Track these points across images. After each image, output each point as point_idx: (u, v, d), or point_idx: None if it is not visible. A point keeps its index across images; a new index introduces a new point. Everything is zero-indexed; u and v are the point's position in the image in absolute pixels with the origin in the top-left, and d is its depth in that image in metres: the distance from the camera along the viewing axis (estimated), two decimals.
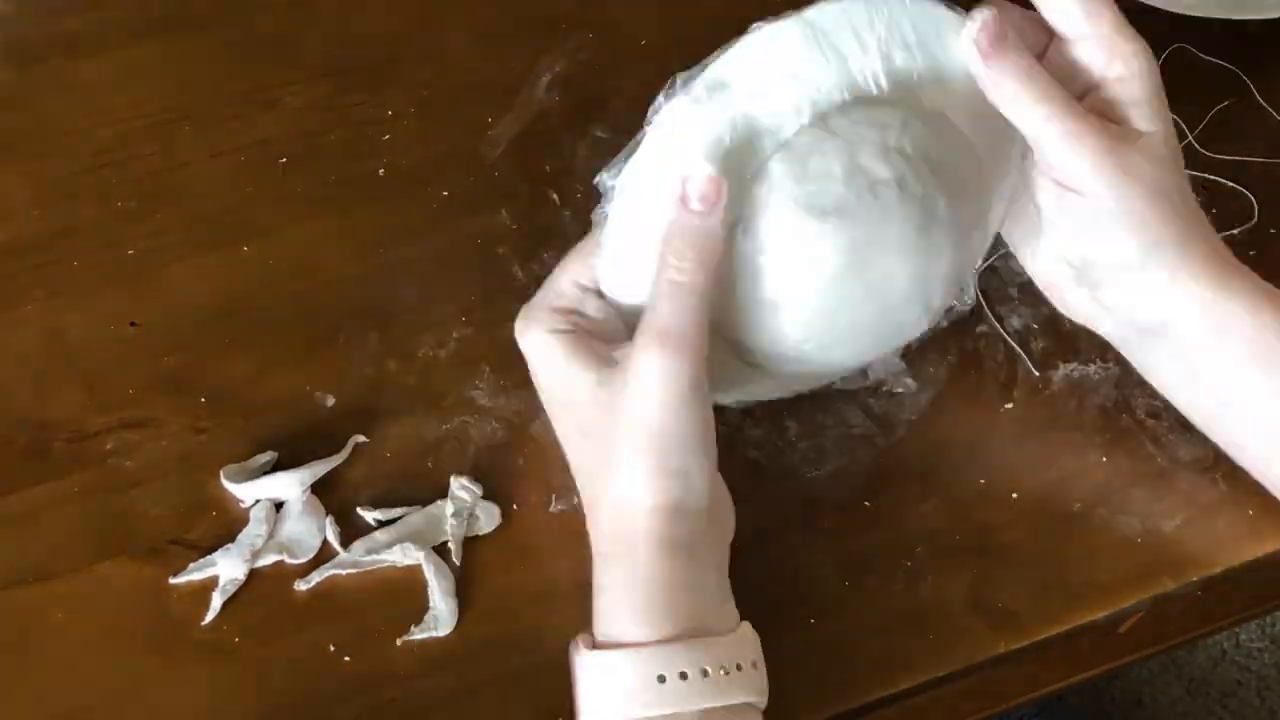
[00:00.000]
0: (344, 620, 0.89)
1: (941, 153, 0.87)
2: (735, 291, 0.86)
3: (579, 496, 0.88)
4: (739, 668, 0.80)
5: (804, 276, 0.85)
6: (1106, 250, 0.87)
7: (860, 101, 0.85)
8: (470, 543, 0.92)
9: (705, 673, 0.78)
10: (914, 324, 0.91)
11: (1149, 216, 0.85)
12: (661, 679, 0.78)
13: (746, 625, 0.83)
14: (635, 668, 0.79)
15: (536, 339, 0.86)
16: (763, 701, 0.81)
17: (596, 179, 0.87)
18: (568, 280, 0.88)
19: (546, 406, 0.89)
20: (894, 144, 0.85)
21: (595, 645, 0.81)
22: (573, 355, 0.84)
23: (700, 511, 0.83)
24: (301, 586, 0.89)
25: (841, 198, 0.83)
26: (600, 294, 0.87)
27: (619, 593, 0.82)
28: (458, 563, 0.90)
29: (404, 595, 0.90)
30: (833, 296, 0.86)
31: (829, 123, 0.84)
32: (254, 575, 0.90)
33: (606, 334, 0.86)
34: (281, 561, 0.90)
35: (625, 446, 0.82)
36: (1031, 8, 0.87)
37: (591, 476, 0.86)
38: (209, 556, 0.90)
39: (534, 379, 0.88)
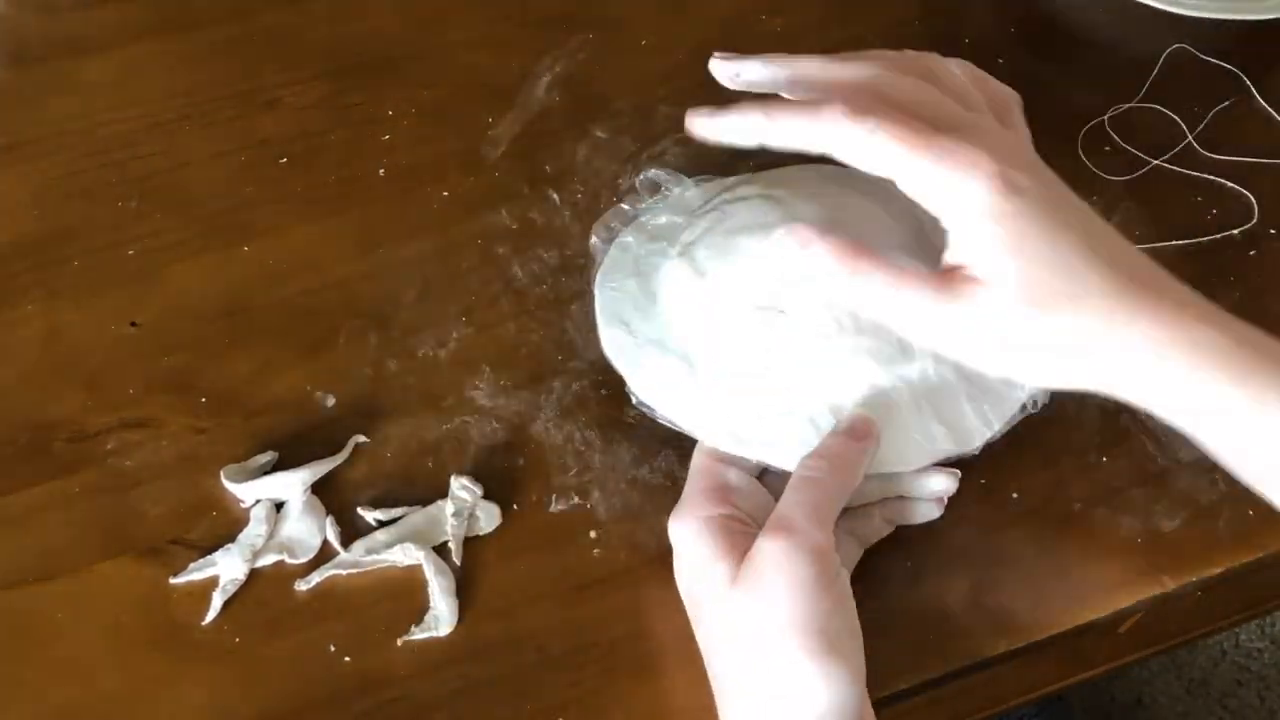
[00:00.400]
0: (344, 620, 0.89)
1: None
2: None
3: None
4: None
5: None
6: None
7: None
8: (470, 542, 0.92)
9: None
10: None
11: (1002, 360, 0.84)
12: None
13: None
14: None
15: (687, 528, 0.85)
16: None
17: (591, 241, 0.95)
18: (701, 456, 0.89)
19: (688, 606, 0.87)
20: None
21: None
22: (716, 546, 0.83)
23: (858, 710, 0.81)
24: (301, 586, 0.90)
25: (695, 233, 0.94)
26: (736, 461, 0.89)
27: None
28: (458, 563, 0.90)
29: (404, 595, 0.90)
30: None
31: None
32: (254, 575, 0.90)
33: (753, 509, 0.86)
34: (282, 561, 0.90)
35: (774, 636, 0.80)
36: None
37: (740, 677, 0.83)
38: (209, 556, 0.90)
39: (677, 576, 0.87)
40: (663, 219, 1.00)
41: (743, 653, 0.81)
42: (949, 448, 0.90)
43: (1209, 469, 0.94)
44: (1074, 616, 0.91)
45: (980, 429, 0.91)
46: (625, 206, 1.03)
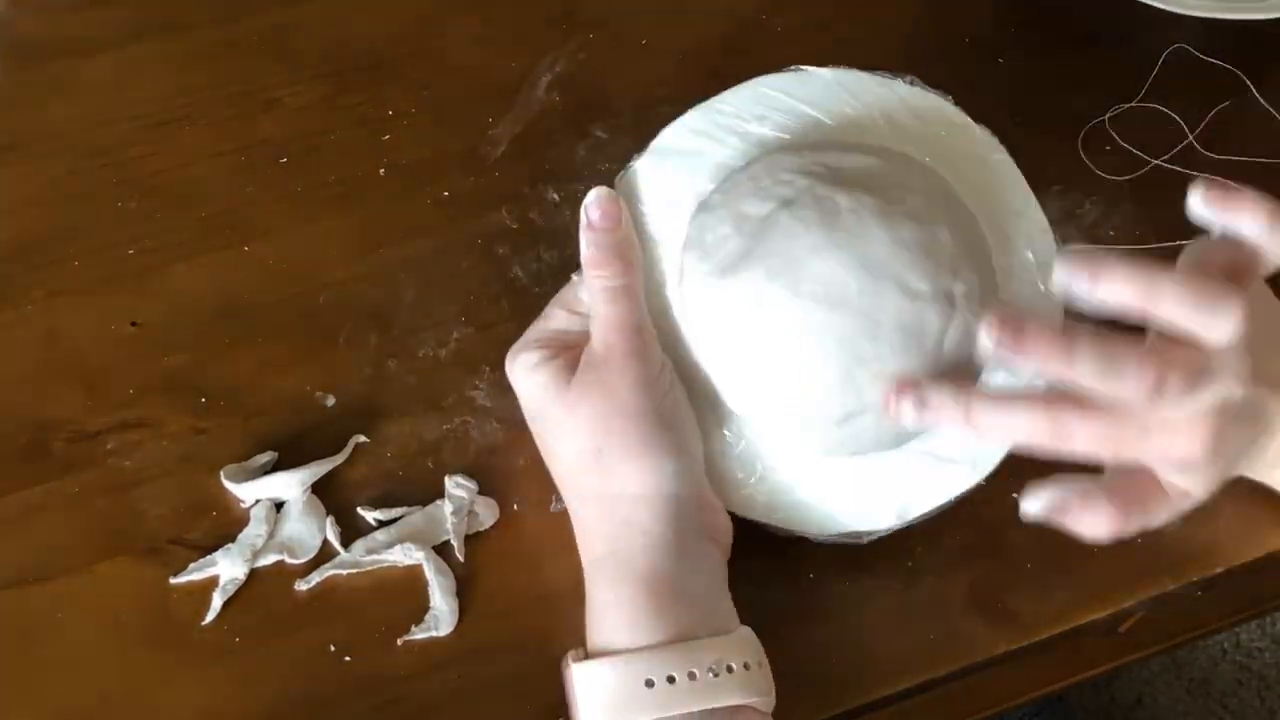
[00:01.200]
0: (344, 620, 0.89)
1: (847, 164, 0.91)
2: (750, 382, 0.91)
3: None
4: (730, 669, 0.80)
5: (757, 331, 0.89)
6: None
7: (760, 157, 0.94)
8: (471, 542, 0.93)
9: (693, 675, 0.79)
10: (928, 316, 0.86)
11: None
12: (649, 684, 0.79)
13: (744, 629, 0.83)
14: (621, 675, 0.79)
15: (521, 366, 0.88)
16: (766, 702, 0.82)
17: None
18: (557, 310, 0.91)
19: (533, 430, 0.91)
20: (780, 177, 0.91)
21: (586, 656, 0.82)
22: (552, 374, 0.87)
23: (688, 504, 0.84)
24: (302, 586, 0.90)
25: (736, 249, 0.89)
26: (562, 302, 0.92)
27: (607, 600, 0.83)
28: (461, 559, 0.91)
29: (404, 595, 0.90)
30: (792, 333, 0.87)
31: (709, 199, 0.93)
32: (254, 575, 0.91)
33: (580, 334, 0.90)
34: (282, 561, 0.91)
35: (604, 439, 0.84)
36: None
37: (576, 482, 0.87)
38: (209, 556, 0.90)
39: (523, 409, 0.91)
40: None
41: (585, 448, 0.85)
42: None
43: None
44: (1074, 616, 0.92)
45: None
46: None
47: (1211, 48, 1.15)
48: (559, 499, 0.92)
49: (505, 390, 0.96)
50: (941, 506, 0.91)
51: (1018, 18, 1.20)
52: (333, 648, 0.88)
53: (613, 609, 0.83)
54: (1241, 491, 0.92)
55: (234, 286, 1.03)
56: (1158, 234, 1.06)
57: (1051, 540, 0.90)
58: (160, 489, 0.94)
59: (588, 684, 0.80)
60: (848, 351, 0.86)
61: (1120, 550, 0.89)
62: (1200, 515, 0.92)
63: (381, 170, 1.09)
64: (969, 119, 0.99)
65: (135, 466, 0.95)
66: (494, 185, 1.08)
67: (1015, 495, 0.92)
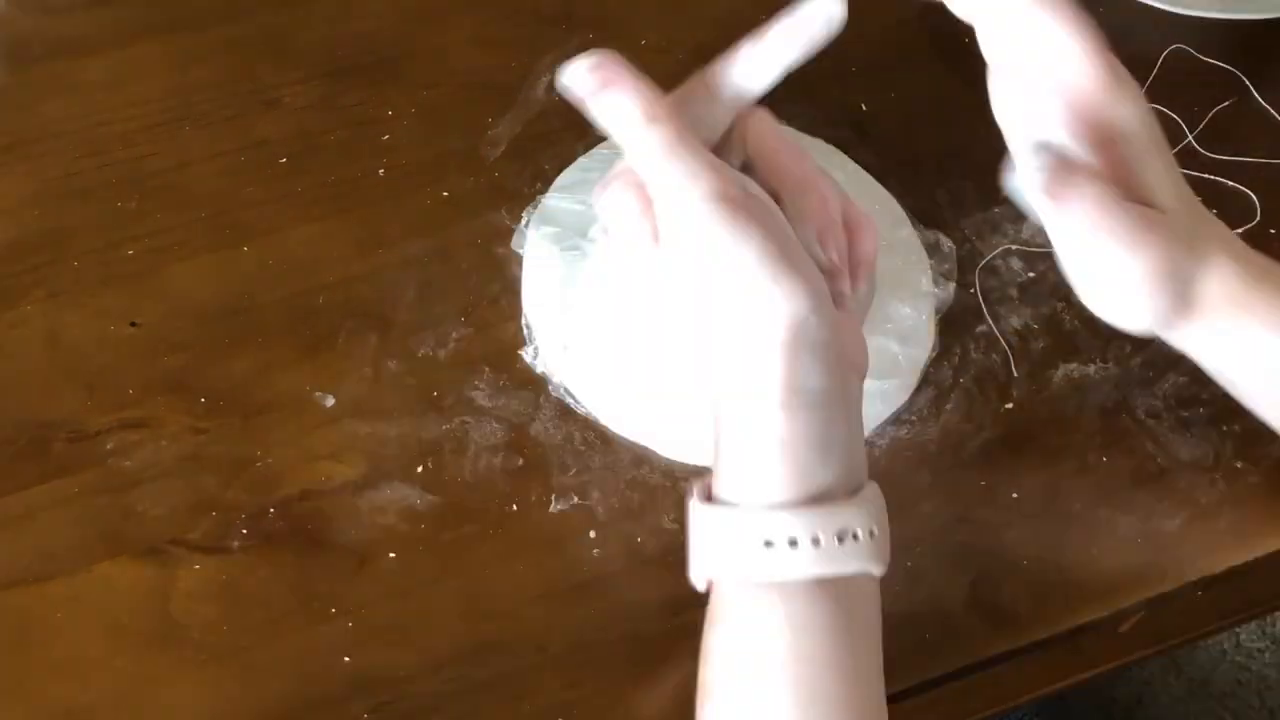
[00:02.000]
0: (344, 619, 0.90)
1: None
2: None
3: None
4: (855, 536, 0.76)
5: None
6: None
7: None
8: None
9: (816, 541, 0.76)
10: None
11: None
12: (769, 544, 0.76)
13: (872, 486, 0.80)
14: (739, 531, 0.77)
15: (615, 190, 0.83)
16: (881, 569, 0.79)
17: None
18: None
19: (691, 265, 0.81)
20: None
21: (711, 496, 0.80)
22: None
23: (825, 337, 0.78)
24: None
25: None
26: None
27: (735, 447, 0.79)
28: None
29: (402, 595, 0.91)
30: None
31: None
32: (258, 573, 0.91)
33: None
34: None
35: (724, 271, 0.78)
36: None
37: (702, 323, 0.80)
38: None
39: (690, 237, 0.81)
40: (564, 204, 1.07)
41: (710, 294, 0.79)
42: None
43: (1209, 469, 0.97)
44: (1074, 616, 0.92)
45: None
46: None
47: (1211, 48, 1.16)
48: (559, 499, 0.93)
49: (505, 390, 0.98)
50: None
51: None
52: (333, 648, 0.89)
53: (739, 458, 0.79)
54: (1241, 492, 0.93)
55: (234, 286, 1.03)
56: None
57: (1052, 540, 0.93)
58: (160, 489, 0.94)
59: (709, 530, 0.78)
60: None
61: (1120, 550, 0.90)
62: (1200, 515, 0.93)
63: (381, 170, 1.09)
64: (807, 136, 1.10)
65: (135, 466, 0.95)
66: (494, 185, 1.08)
67: (1015, 495, 0.94)
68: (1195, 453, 0.97)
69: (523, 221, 1.05)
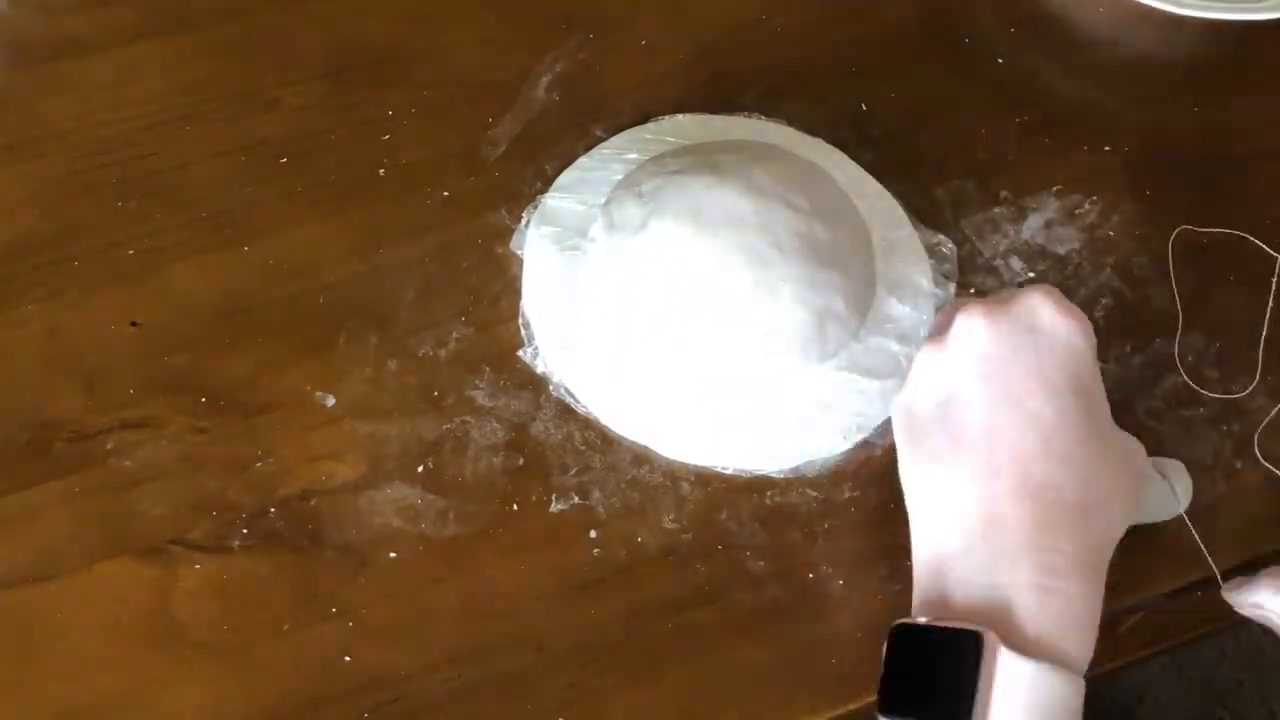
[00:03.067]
0: (344, 619, 0.90)
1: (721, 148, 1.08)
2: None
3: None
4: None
5: (675, 268, 1.00)
6: None
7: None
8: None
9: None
10: (815, 225, 1.00)
11: None
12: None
13: None
14: (1074, 698, 0.79)
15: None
16: None
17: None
18: None
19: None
20: (666, 164, 1.06)
21: (1013, 643, 0.80)
22: None
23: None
24: None
25: (640, 214, 1.02)
26: None
27: (1076, 606, 0.82)
28: None
29: (405, 595, 0.91)
30: (706, 258, 0.99)
31: (610, 194, 1.06)
32: (260, 572, 0.91)
33: None
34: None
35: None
36: None
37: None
38: None
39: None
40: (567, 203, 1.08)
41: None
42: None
43: (1209, 469, 0.97)
44: None
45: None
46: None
47: (1211, 48, 1.16)
48: (559, 499, 0.94)
49: (505, 390, 0.99)
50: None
51: (1017, 17, 1.21)
52: (333, 647, 0.89)
53: (1075, 618, 0.82)
54: (1241, 491, 0.93)
55: (234, 286, 1.04)
56: (1159, 234, 1.07)
57: None
58: (161, 489, 0.94)
59: (1033, 688, 0.79)
60: (757, 261, 0.97)
61: (1120, 551, 0.90)
62: (1199, 516, 0.93)
63: (381, 170, 1.09)
64: (808, 135, 1.12)
65: (136, 466, 0.95)
66: (494, 185, 1.08)
67: None
68: (1194, 453, 0.97)
69: (523, 221, 1.06)
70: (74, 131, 1.11)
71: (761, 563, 0.92)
